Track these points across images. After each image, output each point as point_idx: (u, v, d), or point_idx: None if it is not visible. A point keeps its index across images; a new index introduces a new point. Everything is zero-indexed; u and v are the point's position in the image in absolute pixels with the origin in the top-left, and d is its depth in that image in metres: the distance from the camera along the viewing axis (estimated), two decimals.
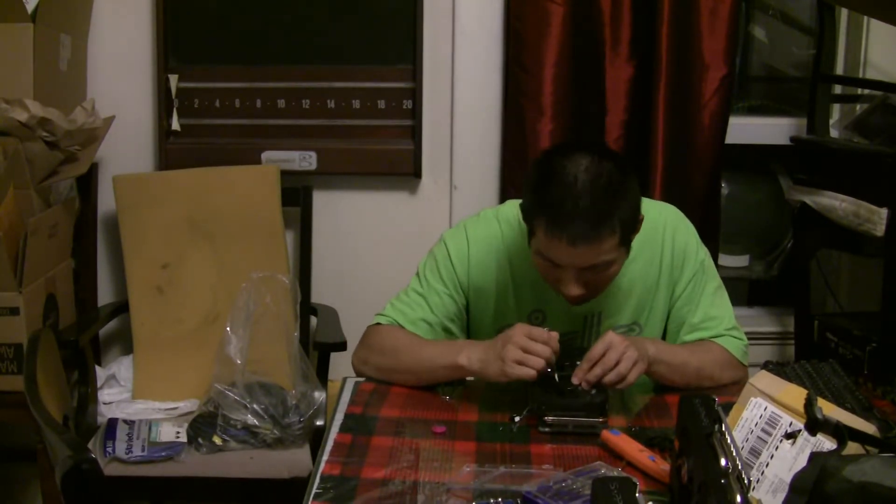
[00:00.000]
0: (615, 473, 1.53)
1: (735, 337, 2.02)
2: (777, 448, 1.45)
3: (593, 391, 1.76)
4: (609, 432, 1.67)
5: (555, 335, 1.78)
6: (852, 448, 1.29)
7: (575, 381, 1.76)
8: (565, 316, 1.98)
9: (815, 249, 2.91)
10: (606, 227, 1.74)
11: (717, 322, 2.02)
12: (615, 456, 1.63)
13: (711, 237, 2.93)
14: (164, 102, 2.95)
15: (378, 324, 2.05)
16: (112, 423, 2.52)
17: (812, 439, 1.40)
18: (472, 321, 2.07)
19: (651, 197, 2.81)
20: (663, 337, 2.05)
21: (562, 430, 1.73)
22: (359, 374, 2.02)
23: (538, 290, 1.98)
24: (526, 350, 1.76)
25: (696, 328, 2.01)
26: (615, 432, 1.67)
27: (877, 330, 2.50)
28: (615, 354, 1.76)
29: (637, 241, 1.90)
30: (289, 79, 2.96)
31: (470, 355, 1.85)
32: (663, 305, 2.03)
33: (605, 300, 1.97)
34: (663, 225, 2.02)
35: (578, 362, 1.79)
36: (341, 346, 2.64)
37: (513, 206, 2.03)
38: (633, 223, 1.83)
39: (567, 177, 1.74)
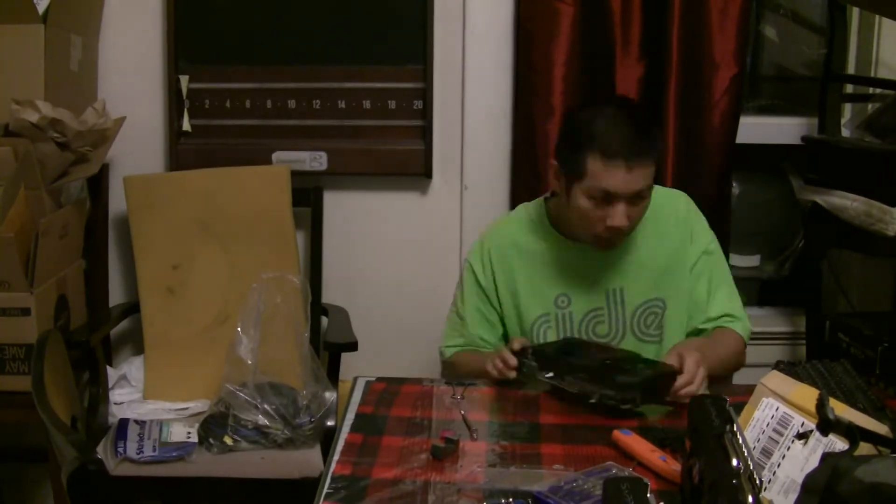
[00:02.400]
0: (626, 474, 1.53)
1: (743, 320, 2.22)
2: (789, 448, 1.44)
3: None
4: (620, 432, 1.67)
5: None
6: (864, 448, 1.29)
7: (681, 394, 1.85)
8: (589, 295, 2.15)
9: (827, 249, 2.90)
10: (653, 149, 1.99)
11: (732, 314, 2.20)
12: (626, 456, 1.63)
13: (722, 237, 2.90)
14: (174, 103, 2.95)
15: (447, 358, 2.30)
16: (123, 423, 2.52)
17: (824, 439, 1.40)
18: (506, 317, 2.24)
19: None
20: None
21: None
22: None
23: (561, 275, 2.15)
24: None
25: (714, 320, 2.20)
26: (626, 432, 1.67)
27: (888, 330, 2.49)
28: (700, 377, 1.86)
29: (651, 219, 2.13)
30: (299, 79, 2.96)
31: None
32: (684, 281, 2.19)
33: (625, 277, 2.15)
34: (675, 204, 2.24)
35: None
36: (352, 346, 2.65)
37: (522, 208, 2.29)
38: (659, 159, 2.10)
39: (609, 115, 1.99)
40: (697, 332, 2.20)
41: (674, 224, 2.20)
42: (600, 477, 1.50)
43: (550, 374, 1.90)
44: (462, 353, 2.26)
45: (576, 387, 1.87)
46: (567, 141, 2.06)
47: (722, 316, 2.19)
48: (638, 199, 2.00)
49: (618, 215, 1.98)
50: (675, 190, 2.32)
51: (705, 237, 2.23)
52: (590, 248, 2.11)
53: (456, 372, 2.22)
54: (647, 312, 2.17)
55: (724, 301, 2.21)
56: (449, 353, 2.28)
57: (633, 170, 1.94)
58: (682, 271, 2.18)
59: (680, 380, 1.83)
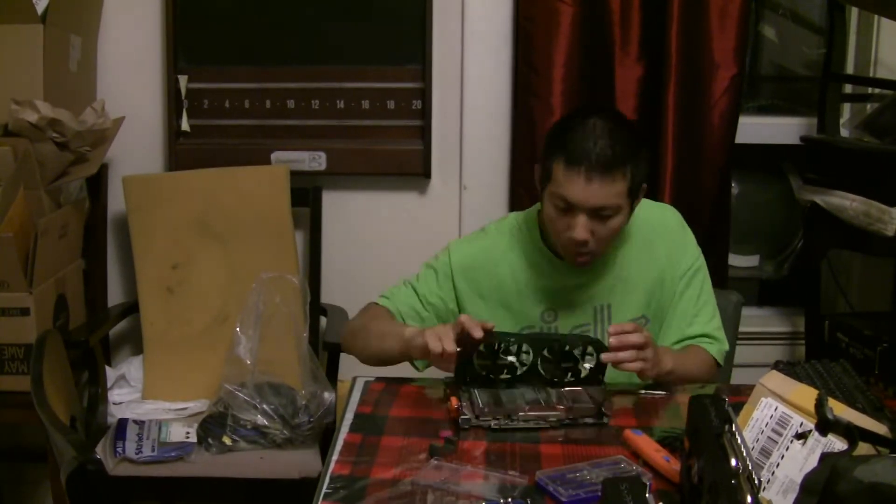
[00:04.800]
0: (634, 468, 1.54)
1: (719, 341, 2.14)
2: (788, 448, 1.44)
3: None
4: (631, 432, 1.67)
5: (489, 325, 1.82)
6: (863, 448, 1.28)
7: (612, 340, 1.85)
8: (575, 312, 2.09)
9: (826, 249, 2.90)
10: (619, 168, 1.89)
11: (710, 336, 2.13)
12: (634, 455, 1.63)
13: (721, 237, 2.93)
14: (173, 103, 2.95)
15: (374, 303, 2.16)
16: (122, 423, 2.52)
17: (823, 439, 1.40)
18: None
19: (661, 197, 2.82)
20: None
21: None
22: (343, 342, 2.18)
23: (548, 291, 2.08)
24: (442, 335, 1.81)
25: (692, 339, 2.13)
26: (637, 432, 1.67)
27: (888, 330, 2.49)
28: (638, 339, 1.85)
29: (639, 234, 2.10)
30: (298, 79, 2.96)
31: (413, 330, 1.93)
32: (667, 300, 2.13)
33: (612, 294, 2.09)
34: (664, 218, 2.17)
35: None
36: None
37: (515, 218, 2.19)
38: (640, 180, 1.97)
39: (587, 124, 1.91)
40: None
41: (662, 239, 2.13)
42: (607, 469, 1.52)
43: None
44: (388, 314, 2.11)
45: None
46: (546, 143, 2.01)
47: (700, 336, 2.12)
48: (601, 215, 1.92)
49: (577, 227, 1.91)
50: (664, 204, 2.27)
51: (693, 253, 2.16)
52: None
53: (362, 323, 2.10)
54: None
55: (705, 322, 2.13)
56: (382, 302, 2.14)
57: (593, 182, 1.87)
58: (669, 288, 2.12)
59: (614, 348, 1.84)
